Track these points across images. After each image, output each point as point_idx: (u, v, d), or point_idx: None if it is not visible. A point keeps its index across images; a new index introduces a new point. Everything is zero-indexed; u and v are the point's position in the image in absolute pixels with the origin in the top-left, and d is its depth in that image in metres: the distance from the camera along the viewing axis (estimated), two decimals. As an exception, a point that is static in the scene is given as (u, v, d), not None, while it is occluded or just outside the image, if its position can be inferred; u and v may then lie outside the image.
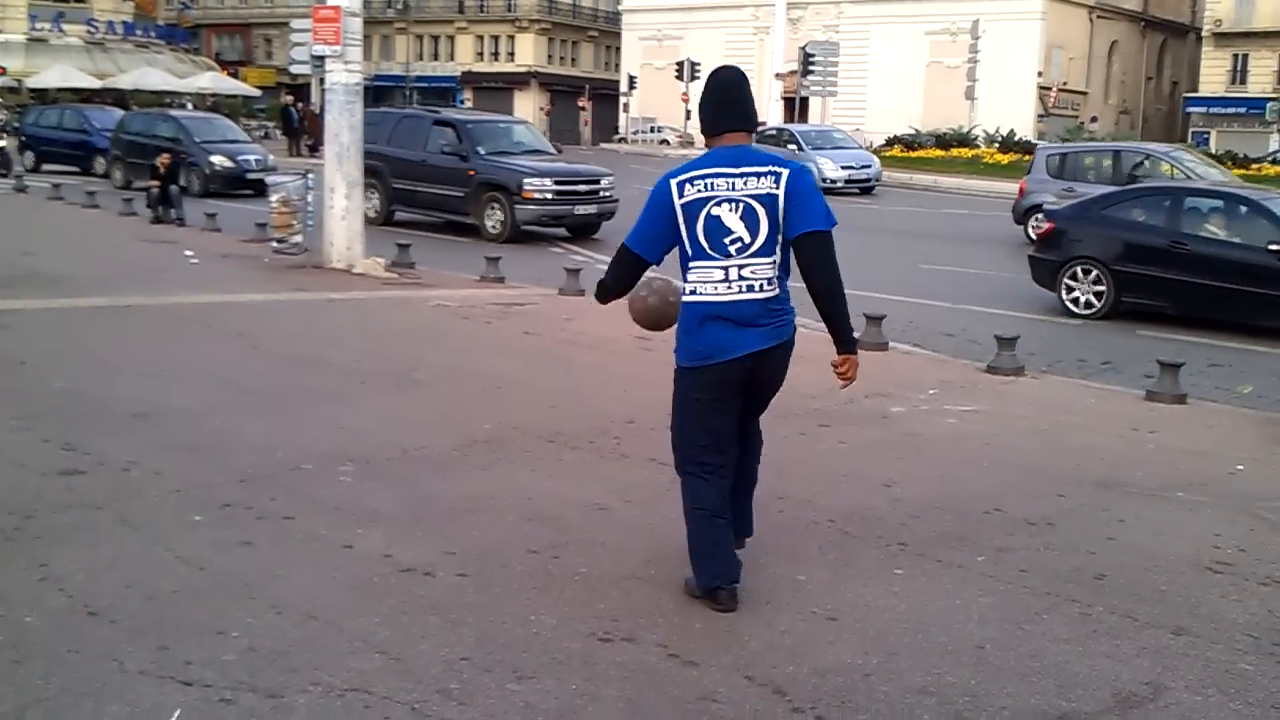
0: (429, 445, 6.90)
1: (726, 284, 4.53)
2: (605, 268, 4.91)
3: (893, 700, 3.99)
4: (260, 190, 20.34)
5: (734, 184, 4.52)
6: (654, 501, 6.06)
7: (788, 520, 5.83)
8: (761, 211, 4.50)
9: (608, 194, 20.19)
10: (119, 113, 34.69)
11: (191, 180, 24.94)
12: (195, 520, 5.49)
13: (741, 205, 4.51)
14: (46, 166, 30.58)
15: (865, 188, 32.67)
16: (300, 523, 5.52)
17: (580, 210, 19.86)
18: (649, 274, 4.83)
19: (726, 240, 4.52)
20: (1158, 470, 7.02)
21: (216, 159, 25.87)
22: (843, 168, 32.12)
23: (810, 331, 11.66)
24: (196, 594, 4.65)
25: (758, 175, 4.52)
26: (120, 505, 5.64)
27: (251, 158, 26.38)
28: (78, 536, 5.22)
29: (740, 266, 4.51)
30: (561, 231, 20.23)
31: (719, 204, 4.52)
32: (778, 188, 4.49)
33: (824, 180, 29.71)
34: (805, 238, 4.48)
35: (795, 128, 36.36)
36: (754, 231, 4.51)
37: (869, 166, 33.35)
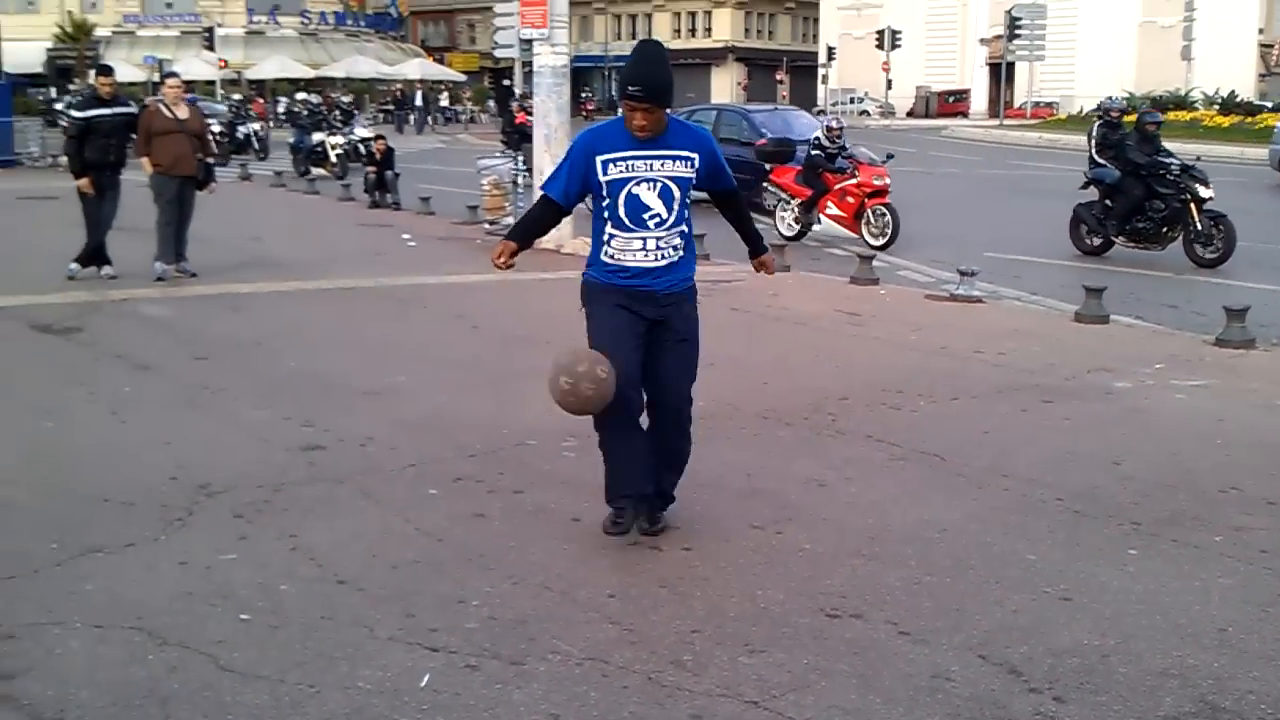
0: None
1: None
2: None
3: (1133, 682, 3.90)
4: None
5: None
6: (874, 478, 6.04)
7: (1014, 498, 5.73)
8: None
9: None
10: None
11: None
12: (431, 493, 5.71)
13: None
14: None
15: None
16: (529, 496, 5.69)
17: None
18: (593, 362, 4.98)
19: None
20: None
21: None
22: None
23: (1025, 305, 11.46)
24: (436, 564, 4.85)
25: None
26: (360, 479, 5.90)
27: None
28: (322, 508, 5.49)
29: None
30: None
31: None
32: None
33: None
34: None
35: None
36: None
37: None
